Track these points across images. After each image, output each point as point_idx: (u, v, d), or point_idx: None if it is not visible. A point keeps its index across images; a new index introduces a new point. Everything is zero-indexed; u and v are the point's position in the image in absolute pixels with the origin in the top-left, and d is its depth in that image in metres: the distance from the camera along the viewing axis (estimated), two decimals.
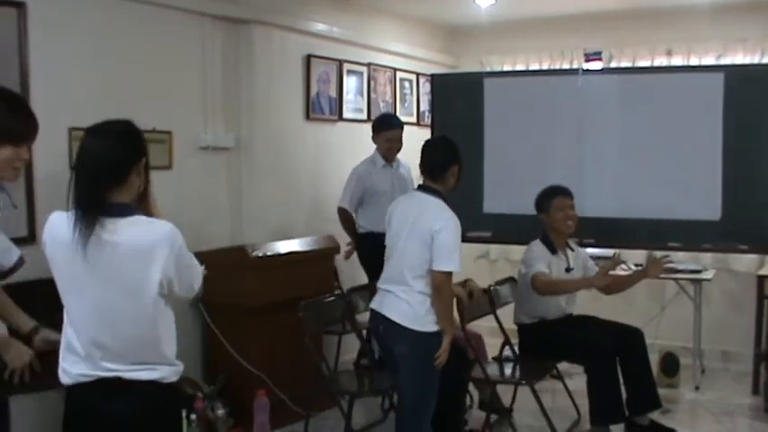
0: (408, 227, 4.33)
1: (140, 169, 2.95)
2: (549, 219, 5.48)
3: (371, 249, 5.99)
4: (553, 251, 5.48)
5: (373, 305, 4.52)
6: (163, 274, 2.81)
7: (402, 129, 6.35)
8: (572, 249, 5.62)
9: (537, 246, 5.50)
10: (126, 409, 2.80)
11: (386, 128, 6.30)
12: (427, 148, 4.55)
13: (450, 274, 4.25)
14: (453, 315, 4.46)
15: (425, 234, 4.23)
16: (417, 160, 6.74)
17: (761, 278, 6.42)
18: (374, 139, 6.33)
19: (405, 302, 4.30)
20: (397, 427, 4.44)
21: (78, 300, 2.78)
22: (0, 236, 3.53)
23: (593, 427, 5.24)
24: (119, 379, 2.79)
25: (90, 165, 2.81)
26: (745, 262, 7.08)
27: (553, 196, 5.50)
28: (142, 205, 2.98)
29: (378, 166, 6.30)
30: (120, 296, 2.77)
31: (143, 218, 2.88)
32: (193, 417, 5.09)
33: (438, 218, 4.25)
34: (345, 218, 6.28)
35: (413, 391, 4.38)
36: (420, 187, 4.51)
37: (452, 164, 4.42)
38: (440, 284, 4.24)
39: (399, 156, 6.37)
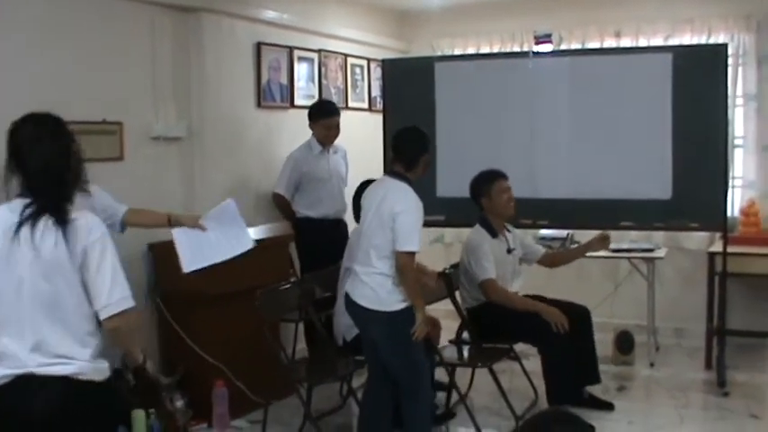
0: (374, 209, 4.50)
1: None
2: (492, 203, 5.52)
3: (309, 235, 6.02)
4: (494, 234, 5.55)
5: (346, 287, 4.67)
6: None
7: (339, 115, 6.45)
8: (509, 231, 5.68)
9: (478, 233, 5.55)
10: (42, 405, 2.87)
11: (325, 115, 6.38)
12: (401, 138, 4.69)
13: (411, 254, 4.38)
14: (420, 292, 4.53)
15: (387, 216, 4.39)
16: (371, 145, 6.84)
17: (711, 255, 6.51)
18: (311, 126, 6.40)
19: (367, 286, 4.46)
20: (402, 412, 4.58)
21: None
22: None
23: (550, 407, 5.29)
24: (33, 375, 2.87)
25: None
26: (696, 240, 7.18)
27: (493, 180, 5.54)
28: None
29: (314, 152, 6.38)
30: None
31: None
32: (152, 409, 5.08)
33: (400, 200, 4.42)
34: (281, 203, 6.37)
35: (401, 371, 4.54)
36: (390, 172, 4.64)
37: (424, 154, 4.61)
38: (402, 265, 4.38)
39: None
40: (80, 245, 2.89)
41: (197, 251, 4.34)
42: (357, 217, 5.02)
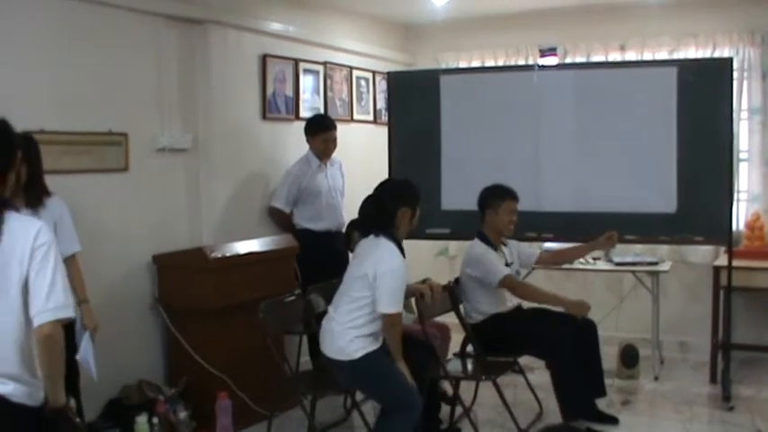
0: (357, 263, 4.63)
1: None
2: (496, 218, 5.53)
3: (309, 247, 6.02)
4: (494, 248, 5.57)
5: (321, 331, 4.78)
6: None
7: (336, 129, 6.50)
8: (505, 245, 5.69)
9: (479, 246, 5.55)
10: None
11: (323, 129, 6.43)
12: (374, 197, 4.83)
13: (398, 314, 4.49)
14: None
15: (369, 274, 4.49)
16: (376, 157, 6.87)
17: (716, 269, 6.50)
18: (309, 140, 6.45)
19: (328, 334, 4.61)
20: (385, 420, 4.60)
21: None
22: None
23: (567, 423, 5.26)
24: None
25: None
26: (701, 253, 7.16)
27: (504, 198, 5.55)
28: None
29: (313, 167, 6.43)
30: None
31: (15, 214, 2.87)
32: (155, 420, 5.08)
33: (381, 261, 4.50)
34: (280, 217, 6.43)
35: (382, 401, 4.70)
36: (382, 232, 4.66)
37: (399, 208, 4.65)
38: (390, 325, 4.52)
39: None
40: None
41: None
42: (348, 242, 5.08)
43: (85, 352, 4.40)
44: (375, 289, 4.47)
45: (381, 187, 4.86)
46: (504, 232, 5.60)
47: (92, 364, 4.40)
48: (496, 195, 5.57)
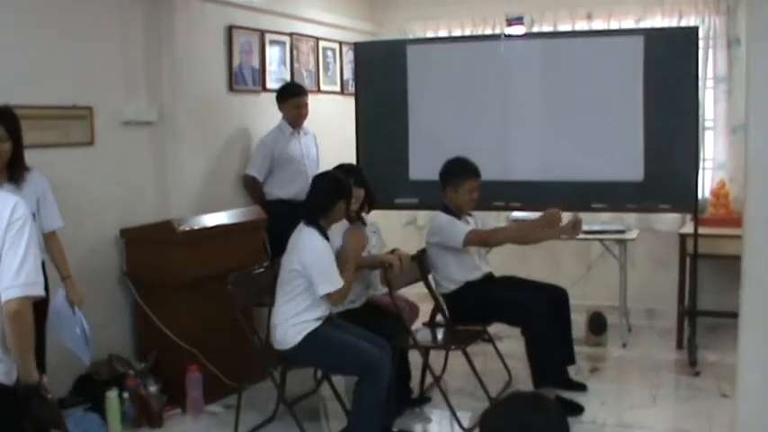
0: (287, 257, 4.70)
1: None
2: (456, 196, 5.50)
3: (279, 216, 6.01)
4: (458, 218, 5.55)
5: None
6: None
7: (307, 96, 6.54)
8: (470, 215, 5.69)
9: (442, 216, 5.54)
10: None
11: (293, 95, 6.47)
12: (315, 186, 4.89)
13: (338, 291, 4.58)
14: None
15: (298, 268, 4.60)
16: (343, 128, 6.87)
17: (683, 236, 6.56)
18: (281, 107, 6.49)
19: (272, 329, 4.73)
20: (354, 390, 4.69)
21: None
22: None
23: (536, 390, 5.29)
24: None
25: None
26: (668, 221, 7.22)
27: (465, 176, 5.49)
28: None
29: (286, 134, 6.47)
30: None
31: None
32: (126, 395, 5.07)
33: (305, 251, 4.62)
34: (254, 186, 6.44)
35: (345, 372, 4.97)
36: (305, 220, 4.76)
37: (336, 202, 4.76)
38: (337, 300, 4.66)
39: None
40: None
41: (74, 339, 4.46)
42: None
43: (72, 334, 4.40)
44: (308, 277, 4.57)
45: (318, 183, 4.92)
46: (463, 210, 5.59)
47: (83, 346, 4.41)
48: (458, 173, 5.51)
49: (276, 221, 6.05)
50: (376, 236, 5.57)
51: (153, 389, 5.14)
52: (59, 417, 3.45)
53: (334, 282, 4.56)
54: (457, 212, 5.55)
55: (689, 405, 5.47)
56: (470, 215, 5.68)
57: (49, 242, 4.48)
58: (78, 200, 5.12)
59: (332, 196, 4.75)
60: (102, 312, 5.23)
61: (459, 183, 5.48)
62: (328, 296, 4.58)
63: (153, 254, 5.37)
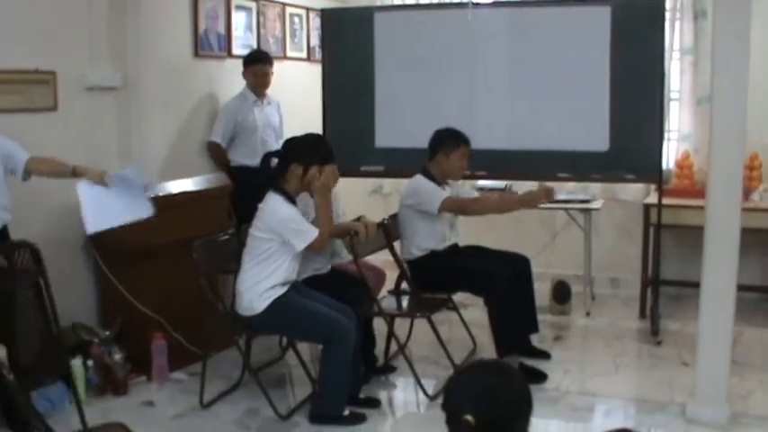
0: (254, 225, 4.72)
1: None
2: (448, 162, 5.50)
3: (244, 183, 6.00)
4: (437, 184, 5.54)
5: None
6: None
7: (271, 65, 6.51)
8: (447, 184, 5.69)
9: (421, 179, 5.53)
10: None
11: (252, 63, 6.46)
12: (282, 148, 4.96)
13: (318, 239, 4.63)
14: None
15: (265, 234, 4.63)
16: (309, 95, 6.84)
17: (647, 206, 6.61)
18: (243, 74, 6.46)
19: (238, 295, 4.74)
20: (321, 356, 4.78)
21: None
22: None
23: (500, 358, 5.32)
24: None
25: None
26: (632, 191, 7.26)
27: (459, 143, 5.50)
28: None
29: (249, 101, 6.45)
30: None
31: None
32: (90, 363, 5.05)
33: (273, 215, 4.63)
34: (216, 152, 6.43)
35: (311, 339, 5.09)
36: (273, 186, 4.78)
37: (291, 163, 4.73)
38: (317, 248, 4.75)
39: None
40: None
41: (100, 211, 4.46)
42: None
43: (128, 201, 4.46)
44: (281, 240, 4.59)
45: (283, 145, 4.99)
46: (453, 176, 5.61)
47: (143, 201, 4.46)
48: (452, 140, 5.51)
49: (241, 188, 6.02)
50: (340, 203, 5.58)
51: (117, 357, 5.12)
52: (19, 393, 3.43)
53: (308, 235, 4.59)
54: (438, 180, 5.54)
55: (650, 373, 5.54)
56: (447, 183, 5.67)
57: (35, 165, 4.48)
58: None
59: (282, 160, 4.79)
60: (66, 279, 5.18)
61: (452, 149, 5.49)
62: (310, 247, 4.61)
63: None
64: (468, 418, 2.06)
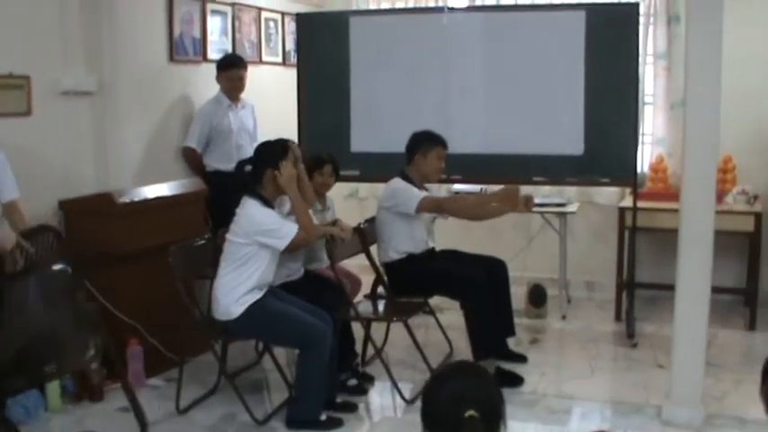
0: (231, 230, 4.72)
1: None
2: (425, 162, 5.53)
3: (219, 188, 5.99)
4: (415, 186, 5.55)
5: None
6: None
7: (245, 69, 6.48)
8: (426, 188, 5.71)
9: (399, 182, 5.55)
10: None
11: (226, 67, 6.43)
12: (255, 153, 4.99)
13: (301, 234, 4.67)
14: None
15: (241, 240, 4.65)
16: (284, 100, 6.81)
17: (621, 210, 6.65)
18: (217, 78, 6.43)
19: (214, 300, 4.74)
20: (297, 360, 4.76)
21: None
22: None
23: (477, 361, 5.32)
24: None
25: None
26: (607, 195, 7.31)
27: (436, 144, 5.55)
28: None
29: (223, 106, 6.41)
30: None
31: None
32: None
33: (251, 220, 4.65)
34: (191, 157, 6.37)
35: (287, 344, 5.11)
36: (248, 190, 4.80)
37: (267, 168, 4.75)
38: (301, 244, 4.79)
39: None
40: None
41: None
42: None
43: None
44: (262, 243, 4.62)
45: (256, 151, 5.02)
46: (430, 178, 5.64)
47: None
48: (429, 140, 5.56)
49: (217, 193, 6.01)
50: (330, 212, 5.75)
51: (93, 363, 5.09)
52: None
53: (289, 232, 4.63)
54: (417, 183, 5.56)
55: (626, 375, 5.57)
56: (425, 188, 5.68)
57: (10, 213, 4.48)
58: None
59: (257, 165, 4.82)
60: None
61: (429, 149, 5.53)
62: (295, 243, 4.66)
63: (92, 226, 5.30)
64: (472, 413, 2.07)
